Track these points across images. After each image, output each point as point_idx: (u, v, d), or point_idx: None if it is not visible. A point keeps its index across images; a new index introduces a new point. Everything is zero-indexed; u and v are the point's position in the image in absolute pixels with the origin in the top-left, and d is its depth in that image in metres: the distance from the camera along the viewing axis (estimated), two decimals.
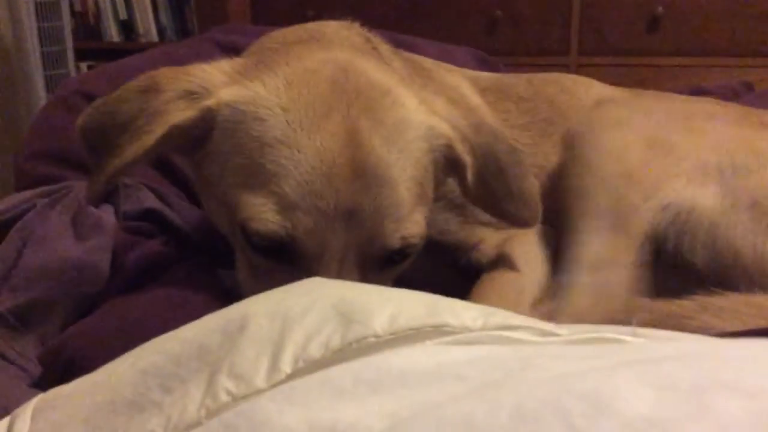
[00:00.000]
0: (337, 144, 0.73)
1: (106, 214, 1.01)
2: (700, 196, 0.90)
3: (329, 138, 0.73)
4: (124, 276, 0.95)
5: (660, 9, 2.74)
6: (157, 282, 0.93)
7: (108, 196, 1.05)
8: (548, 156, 1.08)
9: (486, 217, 0.96)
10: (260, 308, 0.52)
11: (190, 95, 0.79)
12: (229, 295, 0.91)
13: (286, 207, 0.72)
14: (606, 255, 0.89)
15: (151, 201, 1.07)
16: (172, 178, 1.17)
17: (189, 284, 0.91)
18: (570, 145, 0.99)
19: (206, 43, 1.42)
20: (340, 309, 0.49)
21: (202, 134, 0.79)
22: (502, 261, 0.93)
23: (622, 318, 0.84)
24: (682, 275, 0.92)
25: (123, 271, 0.95)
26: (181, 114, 0.77)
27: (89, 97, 1.19)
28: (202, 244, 1.05)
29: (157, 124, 0.77)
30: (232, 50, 1.34)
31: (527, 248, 0.95)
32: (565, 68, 2.90)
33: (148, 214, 1.06)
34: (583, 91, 1.18)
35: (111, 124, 0.81)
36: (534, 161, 1.07)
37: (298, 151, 0.72)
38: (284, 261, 0.75)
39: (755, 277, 0.89)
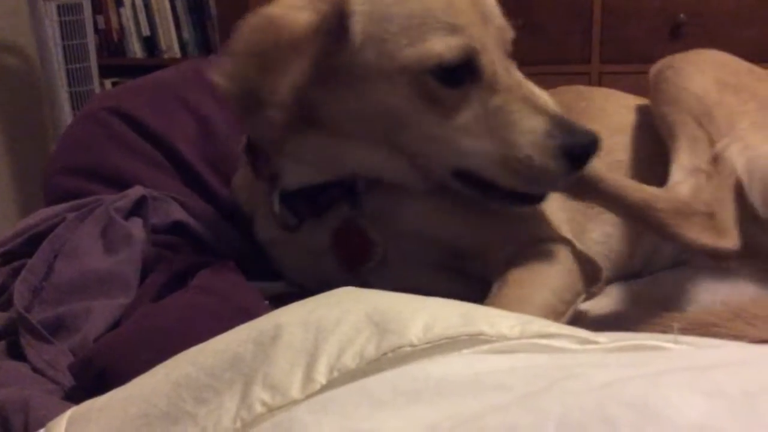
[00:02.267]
0: None
1: (135, 228, 1.02)
2: (761, 138, 0.97)
3: None
4: (152, 288, 0.95)
5: (682, 16, 2.72)
6: (186, 289, 0.93)
7: (136, 209, 1.06)
8: None
9: (500, 221, 0.94)
10: (293, 318, 0.52)
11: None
12: (258, 303, 0.91)
13: (455, 31, 0.84)
14: (701, 164, 0.96)
15: (179, 214, 1.08)
16: (201, 193, 1.18)
17: (217, 291, 0.91)
18: (655, 83, 1.06)
19: None
20: (373, 318, 0.48)
21: (338, 29, 0.85)
22: (511, 277, 0.88)
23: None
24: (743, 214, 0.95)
25: (152, 283, 0.95)
26: (309, 16, 0.84)
27: (116, 112, 1.21)
28: (230, 258, 1.05)
29: (297, 36, 0.83)
30: None
31: (543, 269, 0.90)
32: (587, 76, 2.89)
33: (177, 227, 1.07)
34: (603, 98, 1.17)
35: (258, 57, 0.86)
36: None
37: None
38: (468, 82, 0.86)
39: None
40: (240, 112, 0.94)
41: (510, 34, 0.93)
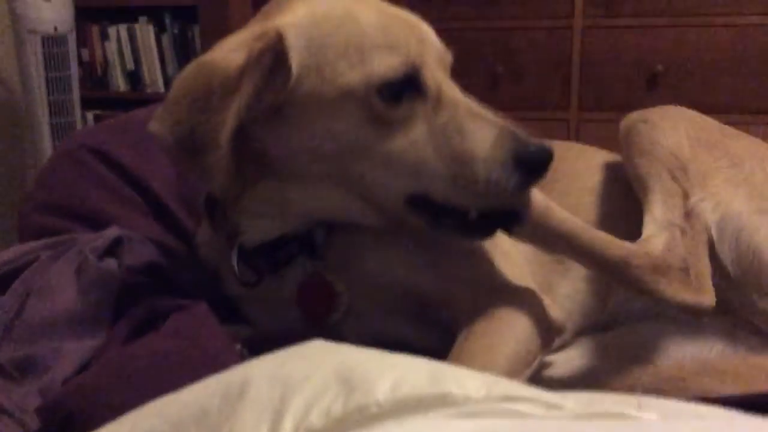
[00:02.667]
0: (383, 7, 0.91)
1: (109, 268, 1.02)
2: (732, 195, 0.99)
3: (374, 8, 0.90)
4: (123, 330, 0.95)
5: (659, 67, 2.78)
6: (156, 332, 0.93)
7: (111, 249, 1.06)
8: None
9: (464, 270, 0.95)
10: (261, 372, 0.52)
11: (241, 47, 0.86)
12: (229, 350, 0.91)
13: (393, 50, 0.86)
14: (675, 219, 0.97)
15: (153, 255, 1.08)
16: (176, 234, 1.18)
17: (188, 336, 0.90)
18: (627, 135, 1.07)
19: None
20: (342, 375, 0.48)
21: (275, 63, 0.85)
22: (477, 328, 0.88)
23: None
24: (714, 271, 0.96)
25: (123, 325, 0.95)
26: (242, 56, 0.84)
27: (95, 151, 1.21)
28: (204, 300, 1.05)
29: (229, 76, 0.83)
30: None
31: (511, 319, 0.89)
32: (566, 123, 2.93)
33: (151, 269, 1.06)
34: (574, 158, 1.19)
35: (193, 101, 0.85)
36: None
37: (368, 24, 0.87)
38: (413, 99, 0.87)
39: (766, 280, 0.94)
40: (181, 162, 0.92)
41: (449, 57, 0.94)
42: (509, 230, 0.90)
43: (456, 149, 0.85)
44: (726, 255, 0.96)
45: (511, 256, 1.02)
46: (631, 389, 0.88)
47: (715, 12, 2.73)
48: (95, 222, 1.13)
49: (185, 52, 3.48)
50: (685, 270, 0.91)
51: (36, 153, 2.99)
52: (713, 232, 0.97)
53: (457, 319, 0.92)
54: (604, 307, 1.08)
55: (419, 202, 0.88)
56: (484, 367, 0.84)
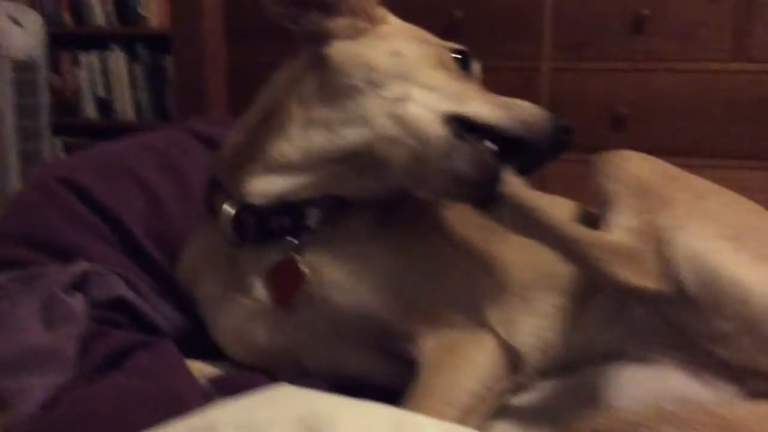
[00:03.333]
0: None
1: (77, 302, 1.02)
2: (694, 220, 1.00)
3: None
4: (89, 365, 0.95)
5: (624, 110, 2.84)
6: (122, 370, 0.93)
7: (79, 283, 1.06)
8: None
9: (427, 298, 0.97)
10: (228, 417, 0.53)
11: None
12: (194, 390, 0.91)
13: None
14: (633, 227, 0.98)
15: (121, 289, 1.08)
16: (145, 268, 1.18)
17: (153, 375, 0.91)
18: (600, 166, 1.10)
19: (184, 133, 1.45)
20: (307, 422, 0.50)
21: None
22: (439, 363, 0.90)
23: None
24: (669, 291, 0.97)
25: (89, 362, 0.95)
26: None
27: (67, 183, 1.21)
28: (171, 335, 1.06)
29: None
30: (210, 142, 1.38)
31: (471, 356, 0.92)
32: None
33: (118, 303, 1.07)
34: (545, 204, 1.21)
35: None
36: None
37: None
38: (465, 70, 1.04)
39: (727, 301, 0.95)
40: None
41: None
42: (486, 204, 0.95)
43: (504, 99, 0.98)
44: (684, 275, 0.97)
45: (475, 290, 1.04)
46: None
47: (678, 58, 2.81)
48: (65, 254, 1.14)
49: (157, 81, 3.50)
50: (640, 259, 0.93)
51: (3, 179, 2.97)
52: (672, 249, 0.98)
53: (420, 354, 0.93)
54: (567, 346, 1.09)
55: (455, 124, 0.93)
56: (446, 403, 0.85)
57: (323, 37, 1.00)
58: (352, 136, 0.96)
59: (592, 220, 1.14)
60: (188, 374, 0.92)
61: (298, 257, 0.98)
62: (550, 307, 1.09)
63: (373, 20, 1.02)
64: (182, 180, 1.32)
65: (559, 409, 1.01)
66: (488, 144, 0.92)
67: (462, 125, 0.93)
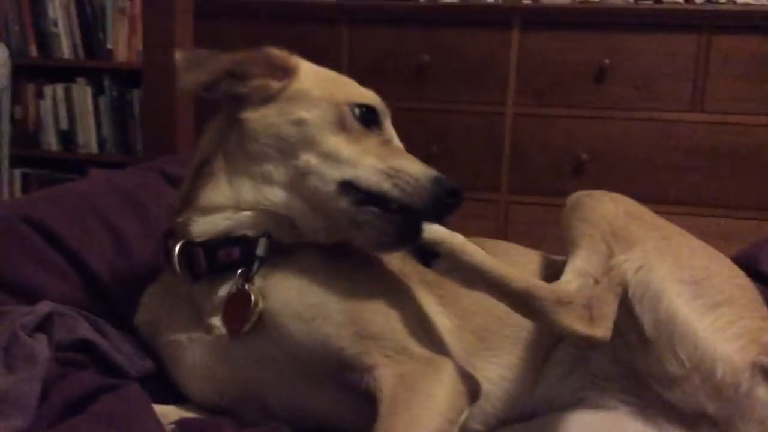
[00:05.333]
0: None
1: (40, 345, 1.00)
2: (658, 262, 1.03)
3: None
4: (52, 409, 0.93)
5: (584, 155, 2.91)
6: (86, 415, 0.91)
7: (42, 324, 1.04)
8: None
9: (383, 331, 0.98)
10: None
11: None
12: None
13: (373, 97, 1.11)
14: (593, 271, 1.01)
15: (86, 331, 1.07)
16: (110, 309, 1.17)
17: (118, 421, 0.89)
18: (570, 207, 1.13)
19: (152, 173, 1.45)
20: None
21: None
22: (400, 400, 0.91)
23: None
24: (628, 333, 1.02)
25: (52, 406, 0.93)
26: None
27: (32, 223, 1.20)
28: (136, 377, 1.04)
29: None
30: (177, 182, 1.38)
31: (431, 389, 0.92)
32: (497, 204, 3.02)
33: (83, 345, 1.05)
34: (502, 251, 1.23)
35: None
36: None
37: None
38: (371, 125, 1.08)
39: (680, 345, 0.99)
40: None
41: None
42: (427, 261, 0.99)
43: (393, 162, 1.02)
44: (644, 316, 1.00)
45: (432, 329, 1.06)
46: None
47: (637, 107, 2.89)
48: (27, 294, 1.12)
49: (122, 115, 3.48)
50: (588, 307, 0.96)
51: None
52: (632, 291, 1.01)
53: (379, 389, 0.93)
54: (529, 395, 1.10)
55: (350, 189, 1.01)
56: None
57: (239, 99, 1.08)
58: (272, 196, 1.05)
59: (551, 267, 1.16)
60: (155, 420, 0.91)
61: (248, 285, 1.01)
62: (515, 358, 1.10)
63: (286, 73, 1.09)
64: (148, 220, 1.32)
65: None
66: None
67: (356, 190, 1.01)
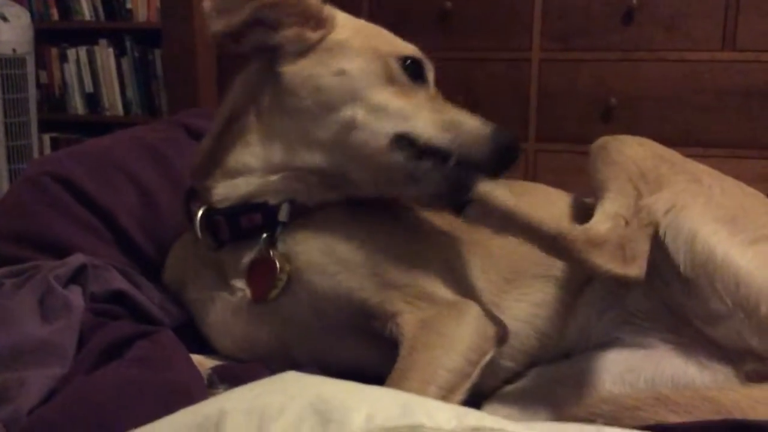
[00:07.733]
0: None
1: (74, 296, 1.01)
2: (690, 202, 1.02)
3: None
4: (89, 358, 0.94)
5: (613, 100, 2.85)
6: (122, 360, 0.92)
7: (76, 276, 1.05)
8: None
9: (405, 279, 0.98)
10: (237, 404, 0.53)
11: None
12: (195, 378, 0.91)
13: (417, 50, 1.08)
14: (623, 213, 1.00)
15: (119, 282, 1.08)
16: (139, 263, 1.18)
17: (154, 364, 0.90)
18: (597, 150, 1.11)
19: (174, 127, 1.44)
20: (317, 407, 0.50)
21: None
22: (421, 341, 0.92)
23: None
24: (665, 272, 1.00)
25: (88, 353, 0.94)
26: None
27: (58, 178, 1.20)
28: (171, 326, 1.05)
29: None
30: (200, 135, 1.37)
31: (452, 331, 0.93)
32: (524, 153, 2.99)
33: (116, 296, 1.06)
34: (542, 192, 1.23)
35: None
36: None
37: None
38: (417, 79, 1.04)
39: (722, 283, 0.97)
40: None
41: None
42: (459, 208, 0.99)
43: (449, 116, 1.00)
44: (679, 256, 0.99)
45: (460, 272, 1.06)
46: (591, 418, 0.90)
47: (667, 47, 2.82)
48: (58, 251, 1.13)
49: (145, 76, 3.48)
50: (620, 247, 0.94)
51: None
52: (663, 231, 1.00)
53: (402, 333, 0.94)
54: (561, 335, 1.10)
55: (405, 143, 0.98)
56: (425, 382, 0.86)
57: (272, 51, 1.03)
58: (309, 157, 1.01)
59: (585, 208, 1.14)
60: (190, 363, 0.92)
61: (271, 251, 1.00)
62: (544, 295, 1.09)
63: (321, 24, 1.04)
64: (173, 174, 1.31)
65: (556, 395, 1.02)
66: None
67: (411, 144, 0.98)
